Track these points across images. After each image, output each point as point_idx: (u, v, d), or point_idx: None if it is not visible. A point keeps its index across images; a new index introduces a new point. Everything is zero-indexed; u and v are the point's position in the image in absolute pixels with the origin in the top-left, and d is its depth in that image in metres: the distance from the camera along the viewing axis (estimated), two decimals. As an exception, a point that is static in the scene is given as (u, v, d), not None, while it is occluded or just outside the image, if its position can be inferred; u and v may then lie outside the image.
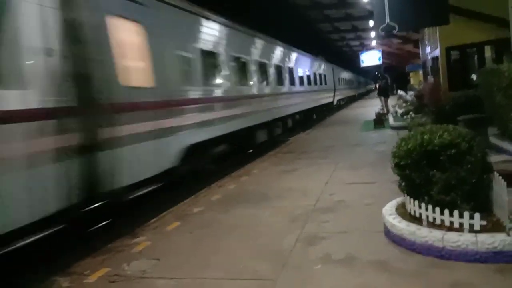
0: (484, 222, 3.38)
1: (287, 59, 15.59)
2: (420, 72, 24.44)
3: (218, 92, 8.99)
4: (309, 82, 19.22)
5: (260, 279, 3.47)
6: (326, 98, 23.72)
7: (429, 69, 16.15)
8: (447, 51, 12.23)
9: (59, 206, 4.42)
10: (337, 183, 6.55)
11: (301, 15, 24.53)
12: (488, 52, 12.11)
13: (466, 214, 3.41)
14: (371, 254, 3.65)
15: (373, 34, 26.05)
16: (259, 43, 12.36)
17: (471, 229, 3.38)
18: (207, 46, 8.55)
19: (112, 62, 5.44)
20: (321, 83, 22.31)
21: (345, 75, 35.82)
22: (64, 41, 4.66)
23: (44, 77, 4.36)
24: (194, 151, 7.28)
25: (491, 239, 3.23)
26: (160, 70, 6.49)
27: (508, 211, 3.33)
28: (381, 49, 35.27)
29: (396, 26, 9.18)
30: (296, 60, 17.16)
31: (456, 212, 3.47)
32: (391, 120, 15.29)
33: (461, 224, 3.44)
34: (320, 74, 22.23)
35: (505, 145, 6.97)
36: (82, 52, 4.91)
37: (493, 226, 3.41)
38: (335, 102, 27.73)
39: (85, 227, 5.32)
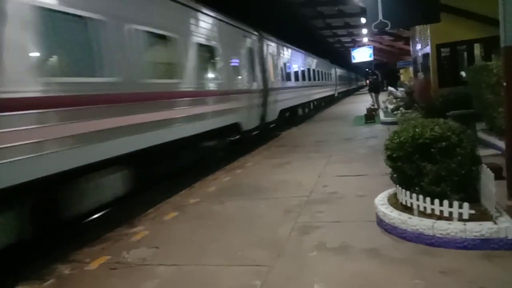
0: (473, 211, 3.53)
1: (314, 64, 24.25)
2: (411, 69, 24.69)
3: (289, 84, 16.76)
4: (323, 79, 28.09)
5: (257, 265, 3.58)
6: (331, 90, 33.13)
7: (420, 66, 16.31)
8: (438, 48, 12.41)
9: (258, 123, 11.84)
10: (330, 176, 6.69)
11: (294, 12, 24.62)
12: (477, 49, 12.33)
13: (456, 203, 3.56)
14: (364, 242, 3.79)
15: (365, 31, 26.24)
16: (304, 56, 21.06)
17: (460, 218, 3.54)
18: (286, 60, 16.60)
19: (269, 70, 13.33)
20: (328, 80, 31.32)
21: (342, 73, 44.82)
22: (263, 65, 12.88)
23: (260, 79, 12.34)
24: (280, 113, 14.69)
25: (479, 227, 3.39)
26: (275, 73, 14.40)
27: (495, 201, 3.50)
28: (372, 46, 35.41)
29: (389, 24, 9.30)
30: (317, 63, 25.43)
31: (446, 202, 3.61)
32: (381, 115, 15.49)
33: (450, 213, 3.59)
34: (328, 73, 31.22)
35: (493, 139, 7.17)
36: (265, 67, 12.90)
37: (481, 215, 3.56)
38: (336, 94, 36.65)
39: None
